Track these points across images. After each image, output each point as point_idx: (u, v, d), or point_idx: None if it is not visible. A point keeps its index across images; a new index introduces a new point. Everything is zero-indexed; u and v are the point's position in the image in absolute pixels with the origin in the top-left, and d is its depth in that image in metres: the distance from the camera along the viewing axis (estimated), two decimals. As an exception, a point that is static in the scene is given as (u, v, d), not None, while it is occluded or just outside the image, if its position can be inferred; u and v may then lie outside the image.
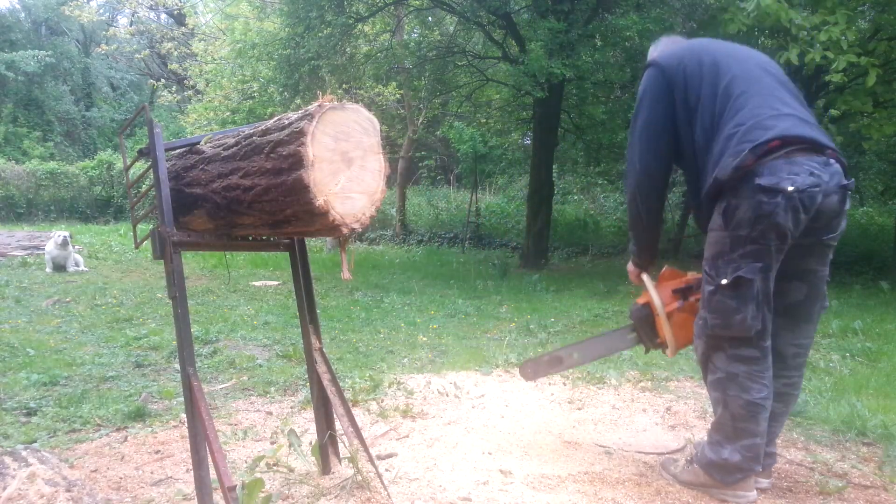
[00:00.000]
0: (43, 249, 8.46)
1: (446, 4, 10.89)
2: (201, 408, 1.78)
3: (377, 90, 13.22)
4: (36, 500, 2.01)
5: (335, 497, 2.08)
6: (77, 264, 8.11)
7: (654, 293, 2.35)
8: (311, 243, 11.46)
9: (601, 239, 13.63)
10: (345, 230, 1.72)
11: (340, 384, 2.24)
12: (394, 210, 15.02)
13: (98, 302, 5.93)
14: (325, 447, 2.25)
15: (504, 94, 12.99)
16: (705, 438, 2.24)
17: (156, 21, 23.37)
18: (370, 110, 1.78)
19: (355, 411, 2.91)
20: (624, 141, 9.03)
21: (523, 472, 2.33)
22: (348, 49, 11.07)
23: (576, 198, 16.96)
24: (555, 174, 12.41)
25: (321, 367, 2.20)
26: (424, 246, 13.70)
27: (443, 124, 16.00)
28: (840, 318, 5.56)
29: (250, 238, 2.11)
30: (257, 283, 7.55)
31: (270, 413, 3.03)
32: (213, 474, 1.80)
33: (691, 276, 2.37)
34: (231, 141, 1.94)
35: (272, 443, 2.62)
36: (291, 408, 3.11)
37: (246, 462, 2.39)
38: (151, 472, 2.32)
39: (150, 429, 2.77)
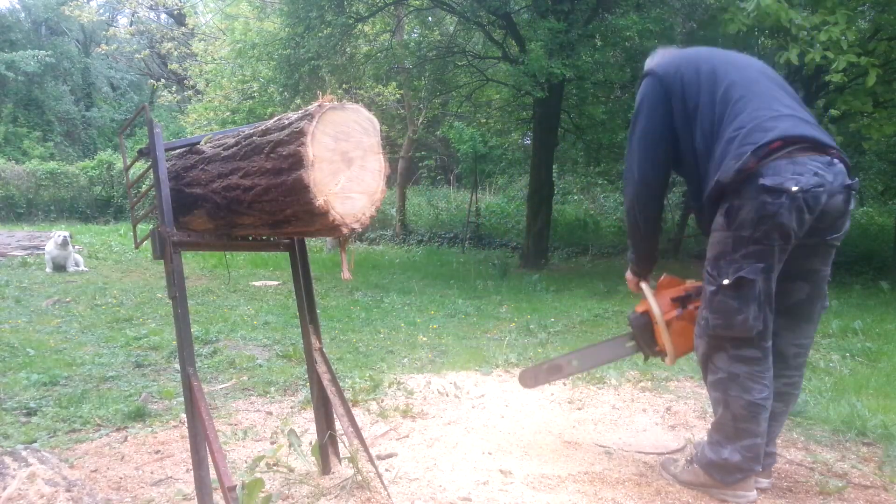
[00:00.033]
0: (43, 249, 8.46)
1: (446, 4, 10.89)
2: (201, 408, 1.78)
3: (377, 90, 13.22)
4: (36, 500, 2.01)
5: (335, 497, 2.08)
6: (77, 264, 8.11)
7: (653, 301, 2.37)
8: (311, 243, 11.46)
9: (601, 239, 13.63)
10: (345, 230, 1.72)
11: (340, 384, 2.24)
12: (394, 210, 15.02)
13: (98, 302, 5.93)
14: (325, 447, 2.25)
15: (504, 94, 12.99)
16: (705, 438, 2.24)
17: (156, 21, 23.38)
18: (370, 110, 1.78)
19: (355, 411, 2.91)
20: (624, 141, 9.02)
21: (523, 472, 2.33)
22: (348, 49, 11.07)
23: (576, 198, 16.96)
24: (555, 174, 12.41)
25: (321, 367, 2.20)
26: (424, 246, 13.70)
27: (443, 124, 16.00)
28: (840, 318, 5.56)
29: (250, 238, 2.11)
30: (257, 283, 7.55)
31: (270, 413, 3.03)
32: (213, 474, 1.80)
33: (690, 284, 2.39)
34: (231, 141, 1.94)
35: (272, 443, 2.62)
36: (291, 408, 3.11)
37: (246, 462, 2.39)
38: (151, 472, 2.32)
39: (150, 429, 2.77)
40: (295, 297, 2.28)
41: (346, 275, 1.87)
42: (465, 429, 2.83)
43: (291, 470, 2.27)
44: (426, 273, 9.24)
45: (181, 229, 2.00)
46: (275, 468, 2.26)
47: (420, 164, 19.09)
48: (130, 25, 21.15)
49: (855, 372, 3.97)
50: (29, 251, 9.62)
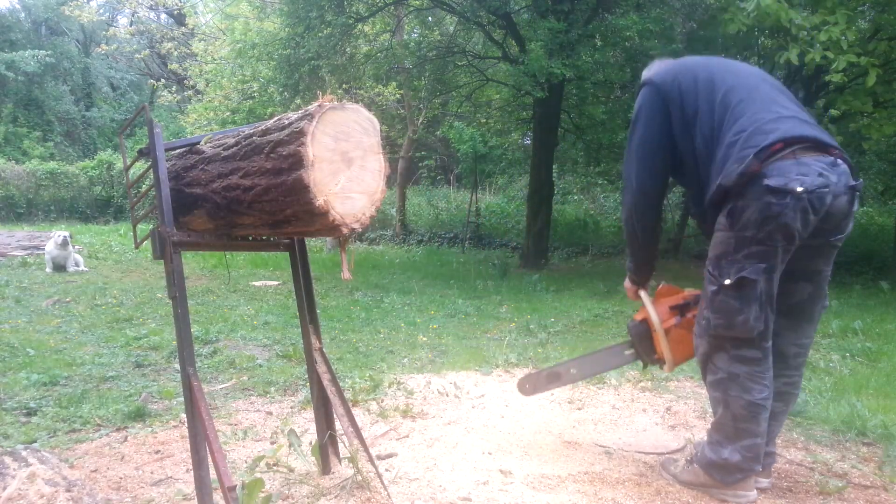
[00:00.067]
0: (43, 249, 8.45)
1: (446, 4, 10.89)
2: (201, 408, 1.78)
3: (377, 90, 13.22)
4: (36, 500, 2.01)
5: (335, 497, 2.08)
6: (77, 264, 8.11)
7: (652, 309, 2.38)
8: (311, 243, 11.46)
9: (601, 239, 13.63)
10: (345, 230, 1.72)
11: (340, 384, 2.24)
12: (394, 210, 15.01)
13: (98, 302, 5.93)
14: (325, 447, 2.25)
15: (504, 94, 12.98)
16: (705, 438, 2.24)
17: (156, 21, 23.38)
18: (370, 110, 1.78)
19: (355, 411, 2.91)
20: (624, 140, 9.03)
21: (523, 472, 2.33)
22: (348, 49, 11.06)
23: (576, 198, 16.95)
24: (555, 174, 12.41)
25: (321, 367, 2.20)
26: (424, 246, 13.70)
27: (443, 124, 16.00)
28: (840, 318, 5.56)
29: (250, 238, 2.11)
30: (257, 283, 7.55)
31: (270, 413, 3.03)
32: (213, 474, 1.80)
33: (688, 292, 2.40)
34: (231, 141, 1.94)
35: (272, 443, 2.62)
36: (291, 408, 3.11)
37: (246, 462, 2.39)
38: (151, 472, 2.32)
39: (150, 429, 2.77)
40: (295, 297, 2.28)
41: (346, 275, 1.87)
42: (465, 429, 2.83)
43: (291, 470, 2.27)
44: (426, 273, 9.24)
45: (181, 229, 2.00)
46: (275, 468, 2.26)
47: (420, 164, 19.08)
48: (130, 25, 21.15)
49: (855, 372, 3.97)
50: (29, 251, 9.63)
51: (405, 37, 13.05)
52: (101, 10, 23.53)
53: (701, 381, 3.10)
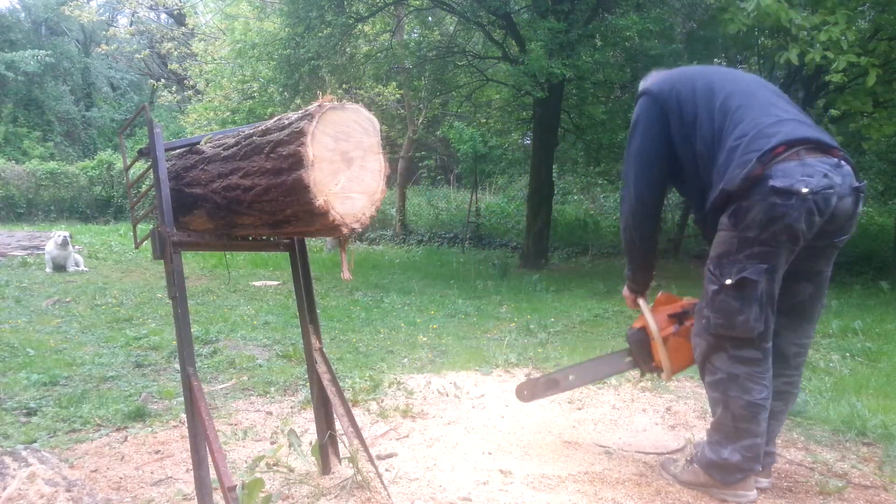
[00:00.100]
0: (43, 249, 8.45)
1: (446, 4, 10.89)
2: (201, 408, 1.78)
3: (377, 90, 13.22)
4: (36, 500, 2.01)
5: (335, 497, 2.08)
6: (77, 264, 8.11)
7: (650, 318, 2.39)
8: (311, 243, 11.46)
9: (601, 239, 13.63)
10: (345, 230, 1.72)
11: (340, 384, 2.24)
12: (394, 210, 15.01)
13: (98, 302, 5.93)
14: (325, 447, 2.25)
15: (504, 94, 12.98)
16: (705, 438, 2.24)
17: (156, 21, 23.38)
18: (370, 110, 1.78)
19: (355, 411, 2.91)
20: (623, 140, 9.05)
21: (523, 472, 2.34)
22: (348, 49, 11.06)
23: (576, 198, 16.95)
24: (555, 174, 12.41)
25: (321, 367, 2.20)
26: (424, 246, 13.70)
27: (443, 124, 15.99)
28: (840, 318, 5.56)
29: (250, 238, 2.11)
30: (257, 283, 7.55)
31: (270, 413, 3.03)
32: (213, 474, 1.80)
33: (687, 301, 2.41)
34: (231, 141, 1.94)
35: (272, 443, 2.62)
36: (291, 408, 3.11)
37: (246, 462, 2.39)
38: (151, 472, 2.32)
39: (150, 429, 2.77)
40: (295, 297, 2.28)
41: (346, 275, 1.87)
42: (465, 429, 2.83)
43: (291, 470, 2.27)
44: (426, 273, 9.24)
45: (181, 229, 2.00)
46: (275, 468, 2.26)
47: (420, 164, 19.08)
48: (130, 25, 21.15)
49: (855, 372, 3.97)
50: (29, 251, 9.62)
51: (405, 37, 13.05)
52: (101, 10, 23.53)
53: (701, 382, 3.11)
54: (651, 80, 2.34)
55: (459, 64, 12.38)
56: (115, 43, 23.47)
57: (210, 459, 1.78)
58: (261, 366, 3.89)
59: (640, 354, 2.44)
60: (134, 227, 2.20)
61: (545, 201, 10.71)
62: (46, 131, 22.33)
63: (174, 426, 2.80)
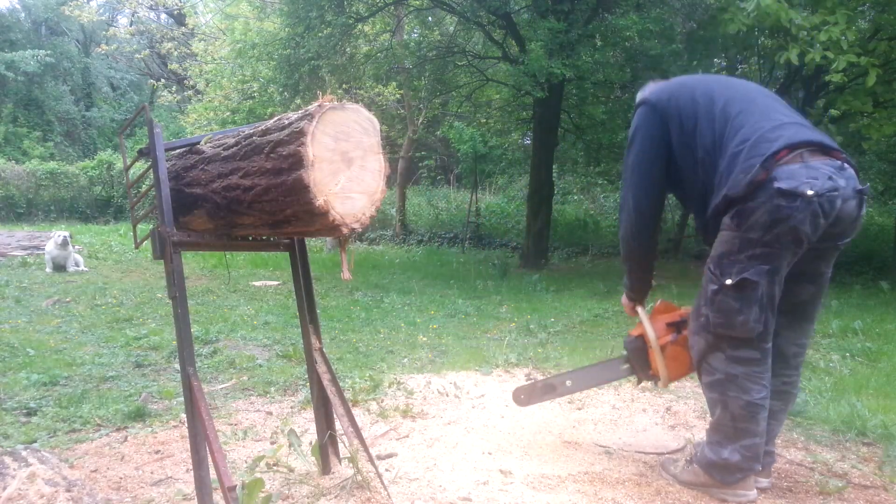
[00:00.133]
0: (43, 249, 8.45)
1: (446, 4, 10.89)
2: (201, 408, 1.78)
3: (377, 90, 13.22)
4: (36, 500, 2.01)
5: (335, 497, 2.08)
6: (77, 264, 8.11)
7: (648, 326, 2.39)
8: (311, 243, 11.46)
9: (601, 239, 13.63)
10: (345, 230, 1.72)
11: (340, 384, 2.24)
12: (394, 210, 15.01)
13: (98, 302, 5.93)
14: (325, 447, 2.25)
15: (504, 94, 12.99)
16: (705, 438, 2.24)
17: (156, 21, 23.38)
18: (370, 110, 1.78)
19: (355, 411, 2.91)
20: (623, 140, 9.04)
21: (523, 472, 2.34)
22: (348, 49, 11.06)
23: (576, 198, 16.95)
24: (555, 174, 12.41)
25: (321, 367, 2.20)
26: (424, 246, 13.70)
27: (443, 124, 16.00)
28: (840, 318, 5.55)
29: (250, 238, 2.11)
30: (257, 283, 7.55)
31: (270, 413, 3.03)
32: (213, 474, 1.80)
33: (685, 309, 2.41)
34: (231, 141, 1.94)
35: (272, 443, 2.62)
36: (291, 408, 3.11)
37: (246, 462, 2.39)
38: (151, 472, 2.32)
39: (150, 429, 2.77)
40: (295, 297, 2.28)
41: (346, 275, 1.87)
42: (465, 429, 2.83)
43: (291, 470, 2.27)
44: (426, 273, 9.24)
45: (181, 229, 2.00)
46: (275, 468, 2.26)
47: (420, 164, 19.08)
48: (130, 25, 21.14)
49: (855, 372, 3.97)
50: (29, 251, 9.62)
51: (405, 37, 13.05)
52: (101, 10, 23.52)
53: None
54: (649, 90, 2.35)
55: (459, 64, 12.38)
56: (115, 43, 23.47)
57: (210, 459, 1.78)
58: (261, 366, 3.89)
59: (638, 362, 2.45)
60: (134, 227, 2.20)
61: (545, 201, 10.71)
62: (46, 131, 22.33)
63: (174, 426, 2.80)
